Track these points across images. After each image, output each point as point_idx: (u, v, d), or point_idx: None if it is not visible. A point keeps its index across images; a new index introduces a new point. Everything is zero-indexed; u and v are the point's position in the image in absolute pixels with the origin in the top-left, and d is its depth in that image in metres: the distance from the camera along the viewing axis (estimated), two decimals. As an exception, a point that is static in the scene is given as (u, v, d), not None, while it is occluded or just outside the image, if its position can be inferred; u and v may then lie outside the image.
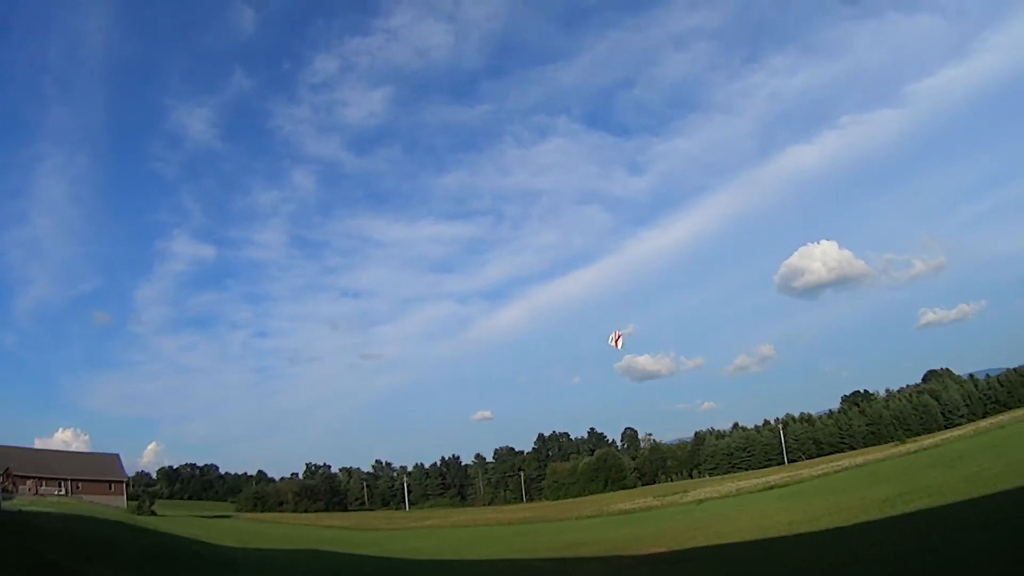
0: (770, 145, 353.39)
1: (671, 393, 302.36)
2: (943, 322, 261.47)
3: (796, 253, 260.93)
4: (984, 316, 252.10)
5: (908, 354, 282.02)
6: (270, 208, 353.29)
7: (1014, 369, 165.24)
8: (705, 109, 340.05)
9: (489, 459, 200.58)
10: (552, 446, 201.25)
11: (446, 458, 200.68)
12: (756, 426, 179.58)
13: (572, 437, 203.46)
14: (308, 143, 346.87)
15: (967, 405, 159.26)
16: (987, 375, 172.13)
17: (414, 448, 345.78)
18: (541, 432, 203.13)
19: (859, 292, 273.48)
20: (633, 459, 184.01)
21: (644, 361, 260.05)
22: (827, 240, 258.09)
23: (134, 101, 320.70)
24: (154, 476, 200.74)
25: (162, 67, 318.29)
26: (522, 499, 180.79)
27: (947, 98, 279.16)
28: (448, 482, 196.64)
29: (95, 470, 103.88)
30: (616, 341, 57.38)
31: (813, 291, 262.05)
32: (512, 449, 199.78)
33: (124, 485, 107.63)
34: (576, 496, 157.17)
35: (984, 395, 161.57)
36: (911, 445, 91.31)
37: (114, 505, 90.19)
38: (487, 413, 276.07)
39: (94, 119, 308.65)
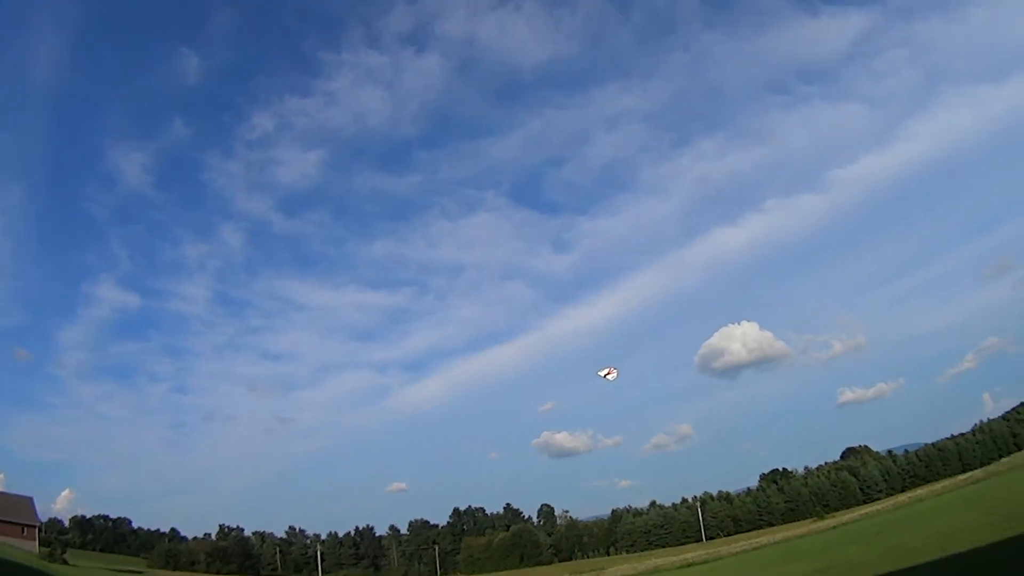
0: (695, 227, 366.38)
1: (589, 470, 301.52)
2: (861, 401, 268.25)
3: (717, 334, 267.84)
4: (902, 394, 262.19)
5: (827, 432, 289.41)
6: (197, 262, 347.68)
7: (932, 444, 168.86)
8: (633, 189, 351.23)
9: (403, 531, 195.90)
10: (467, 520, 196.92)
11: (360, 528, 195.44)
12: (674, 504, 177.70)
13: (488, 512, 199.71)
14: (239, 199, 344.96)
15: (886, 480, 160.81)
16: (906, 451, 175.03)
17: (328, 516, 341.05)
18: (456, 506, 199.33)
19: (779, 372, 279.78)
20: (549, 535, 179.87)
21: (562, 438, 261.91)
22: (748, 321, 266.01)
23: (73, 136, 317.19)
24: (67, 524, 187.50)
25: (104, 105, 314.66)
26: (436, 573, 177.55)
27: (869, 184, 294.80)
28: (362, 552, 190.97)
29: (8, 511, 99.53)
30: (608, 374, 59.20)
31: (733, 371, 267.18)
32: (427, 522, 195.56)
33: (36, 530, 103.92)
34: (491, 572, 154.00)
35: (903, 470, 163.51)
36: (830, 521, 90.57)
37: (26, 549, 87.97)
38: (402, 484, 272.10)
39: (31, 150, 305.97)
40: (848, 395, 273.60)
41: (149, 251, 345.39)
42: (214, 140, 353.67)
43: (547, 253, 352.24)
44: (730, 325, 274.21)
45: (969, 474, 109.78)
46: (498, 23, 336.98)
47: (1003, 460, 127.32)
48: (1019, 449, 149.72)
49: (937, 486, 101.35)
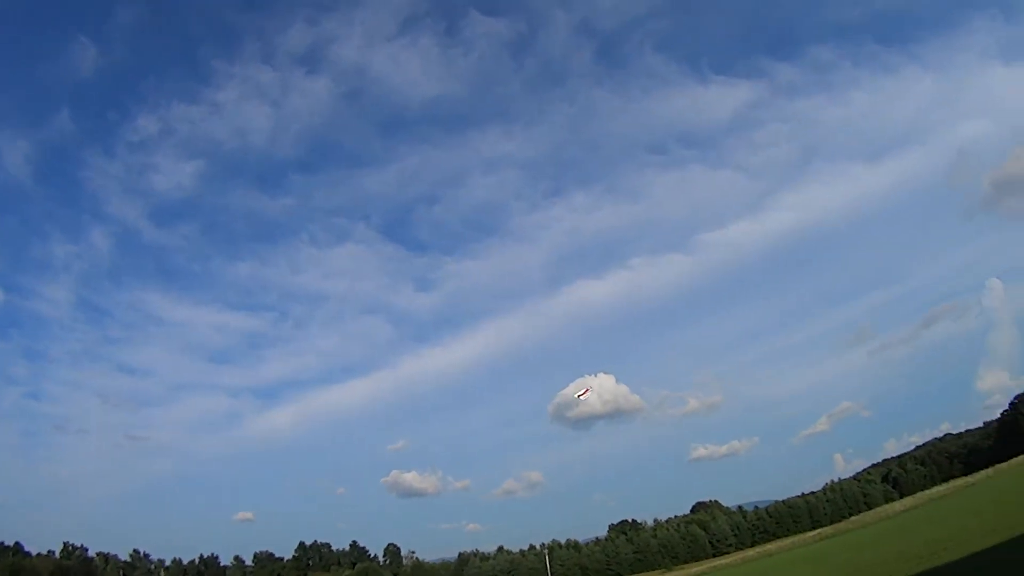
0: (560, 277, 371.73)
1: (436, 512, 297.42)
2: (714, 457, 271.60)
3: (572, 384, 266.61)
4: (755, 452, 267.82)
5: (678, 486, 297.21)
6: (63, 263, 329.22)
7: (783, 502, 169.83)
8: (502, 235, 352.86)
9: (248, 562, 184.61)
10: (313, 555, 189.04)
11: (205, 556, 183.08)
12: (522, 550, 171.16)
13: (334, 548, 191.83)
14: (113, 202, 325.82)
15: (735, 535, 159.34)
16: (756, 507, 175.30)
17: (173, 541, 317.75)
18: (303, 540, 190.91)
19: (633, 425, 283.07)
20: (395, 575, 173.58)
21: (411, 478, 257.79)
22: (605, 374, 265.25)
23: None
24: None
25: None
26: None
27: (737, 249, 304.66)
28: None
29: None
30: (583, 395, 52.56)
31: (587, 422, 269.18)
32: (272, 554, 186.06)
33: None
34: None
35: (752, 525, 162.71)
36: (677, 573, 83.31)
37: None
38: (249, 514, 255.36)
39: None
40: (701, 451, 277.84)
41: (18, 245, 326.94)
42: (98, 137, 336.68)
43: (410, 291, 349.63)
44: (587, 376, 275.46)
45: (819, 531, 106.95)
46: (392, 55, 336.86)
47: (852, 518, 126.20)
48: (868, 508, 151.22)
49: (787, 542, 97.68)
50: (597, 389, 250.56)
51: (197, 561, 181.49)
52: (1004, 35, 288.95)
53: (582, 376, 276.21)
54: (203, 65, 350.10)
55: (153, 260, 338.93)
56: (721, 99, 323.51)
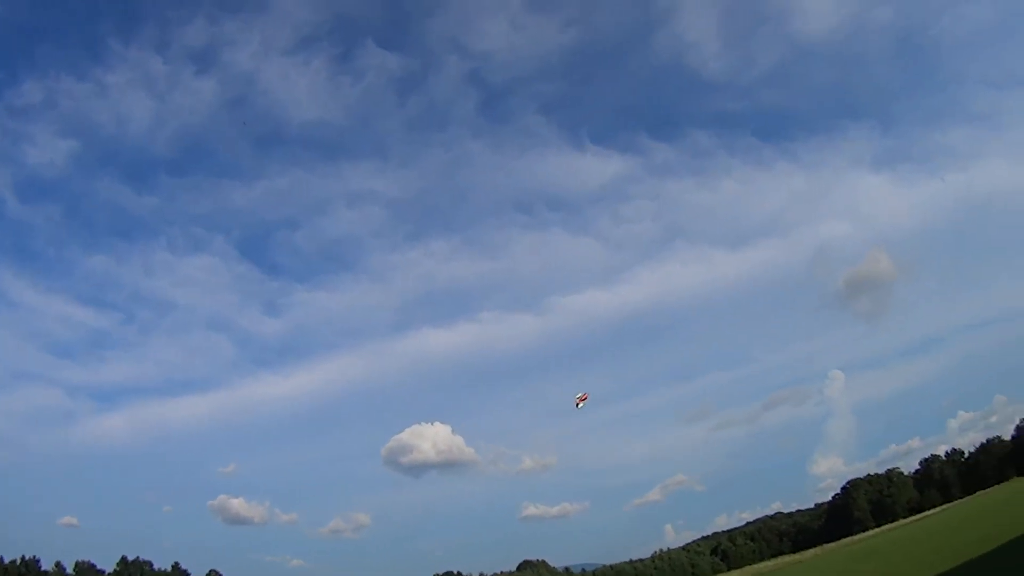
0: (408, 321, 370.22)
1: (261, 543, 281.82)
2: (544, 517, 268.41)
3: (408, 430, 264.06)
4: (586, 515, 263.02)
5: (506, 542, 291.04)
6: None
7: (610, 566, 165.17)
8: (357, 271, 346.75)
9: (69, 570, 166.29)
10: (135, 571, 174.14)
11: (27, 558, 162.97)
12: None
13: (155, 567, 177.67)
14: None
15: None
16: (583, 569, 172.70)
17: None
18: (126, 555, 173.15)
19: (465, 477, 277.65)
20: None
21: (238, 504, 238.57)
22: (442, 423, 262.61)
23: None
24: None
25: None
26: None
27: (588, 316, 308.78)
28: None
29: None
30: (580, 402, 61.13)
31: (419, 469, 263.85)
32: (93, 566, 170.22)
33: None
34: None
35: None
36: None
37: None
38: (73, 520, 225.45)
39: None
40: (532, 510, 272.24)
41: None
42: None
43: (258, 313, 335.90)
44: (423, 424, 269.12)
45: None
46: (283, 70, 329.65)
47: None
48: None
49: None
50: (432, 438, 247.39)
51: (19, 562, 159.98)
52: (878, 146, 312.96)
53: (419, 423, 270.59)
54: (99, 42, 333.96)
55: (12, 236, 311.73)
56: (594, 168, 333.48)
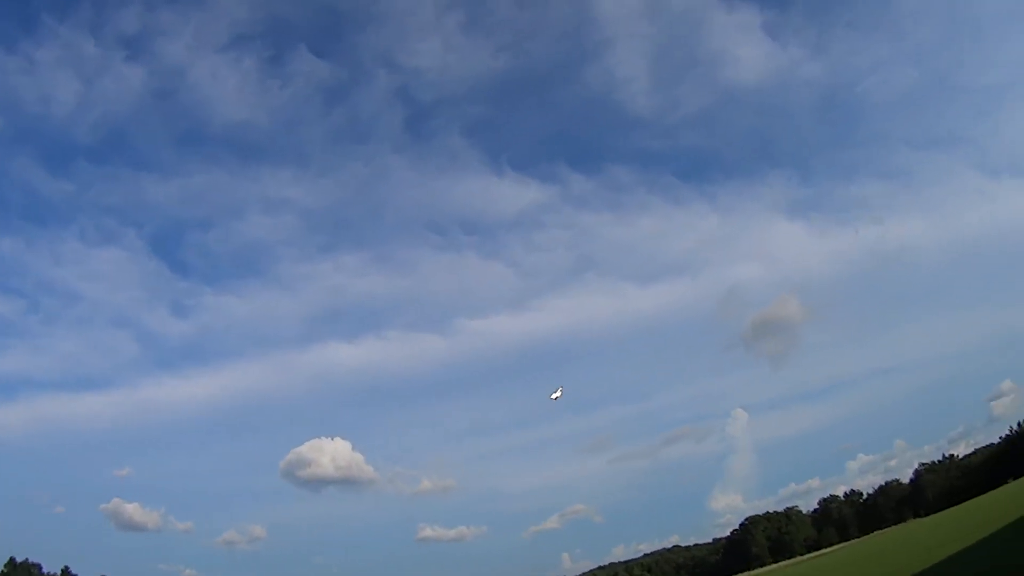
0: (314, 334, 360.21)
1: (155, 551, 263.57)
2: (441, 539, 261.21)
3: (308, 444, 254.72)
4: (483, 540, 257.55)
5: (403, 562, 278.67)
6: None
7: None
8: (266, 279, 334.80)
9: None
10: (23, 573, 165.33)
11: None
12: None
13: (44, 570, 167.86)
14: None
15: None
16: None
17: None
18: (14, 556, 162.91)
19: (364, 495, 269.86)
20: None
21: (133, 510, 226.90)
22: (343, 439, 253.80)
23: None
24: None
25: None
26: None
27: (495, 341, 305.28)
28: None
29: None
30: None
31: (318, 484, 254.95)
32: None
33: None
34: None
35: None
36: None
37: None
38: None
39: None
40: (428, 531, 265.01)
41: None
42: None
43: (164, 313, 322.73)
44: (324, 438, 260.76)
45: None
46: (213, 67, 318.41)
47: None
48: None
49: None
50: (332, 454, 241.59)
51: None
52: (796, 194, 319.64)
53: (319, 437, 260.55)
54: (34, 15, 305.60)
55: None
56: (512, 195, 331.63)
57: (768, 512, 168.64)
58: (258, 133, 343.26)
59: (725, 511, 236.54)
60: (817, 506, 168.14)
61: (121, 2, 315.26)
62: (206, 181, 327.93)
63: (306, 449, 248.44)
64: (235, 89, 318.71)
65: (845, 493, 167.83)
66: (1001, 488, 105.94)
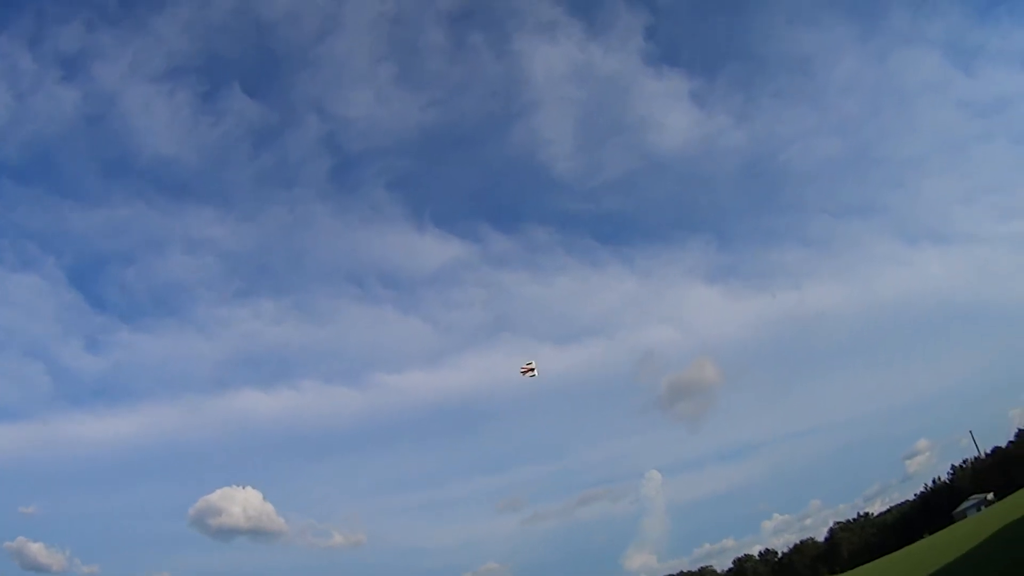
0: (229, 380, 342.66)
1: None
2: None
3: (218, 492, 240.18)
4: None
5: None
6: None
7: None
8: (183, 320, 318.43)
9: None
10: None
11: None
12: None
13: None
14: None
15: None
16: None
17: None
18: None
19: (275, 547, 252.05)
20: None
21: (37, 550, 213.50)
22: (254, 489, 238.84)
23: None
24: None
25: None
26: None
27: (410, 397, 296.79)
28: None
29: None
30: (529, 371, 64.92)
31: (228, 534, 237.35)
32: None
33: None
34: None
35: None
36: None
37: None
38: None
39: None
40: None
41: None
42: None
43: (79, 347, 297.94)
44: (235, 487, 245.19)
45: None
46: (146, 97, 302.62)
47: None
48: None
49: None
50: (242, 503, 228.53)
51: None
52: (714, 260, 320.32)
53: (230, 485, 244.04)
54: None
55: None
56: (432, 250, 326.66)
57: (682, 572, 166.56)
58: (186, 169, 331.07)
59: (639, 571, 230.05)
60: (732, 565, 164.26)
61: (63, 17, 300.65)
62: (129, 214, 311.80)
63: (216, 497, 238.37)
64: (166, 122, 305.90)
65: (760, 552, 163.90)
66: (916, 543, 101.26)
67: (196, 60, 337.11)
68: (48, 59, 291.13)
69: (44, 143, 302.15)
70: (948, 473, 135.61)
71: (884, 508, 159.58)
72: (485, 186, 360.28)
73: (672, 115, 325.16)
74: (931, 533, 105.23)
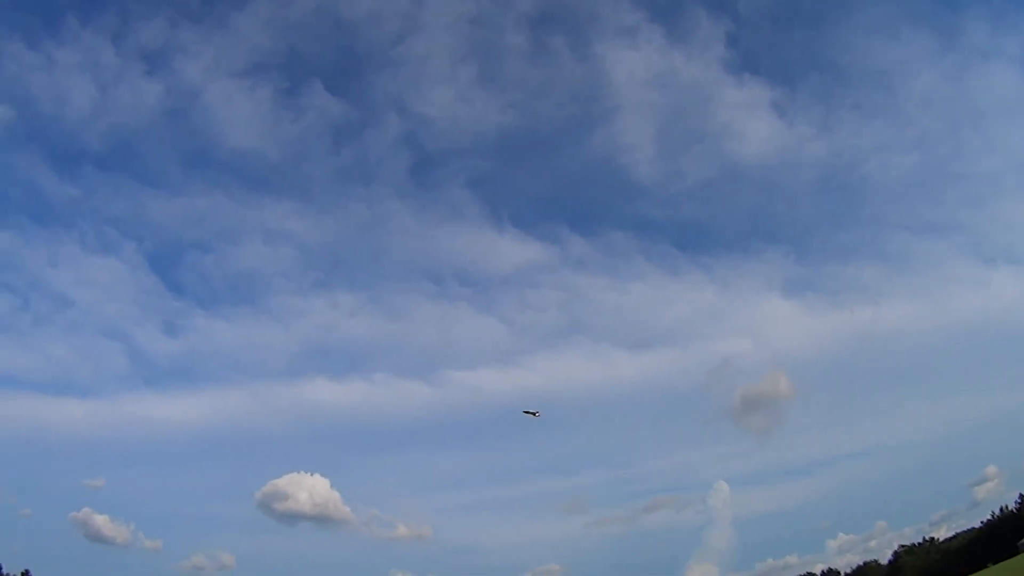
0: (302, 368, 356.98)
1: (119, 566, 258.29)
2: None
3: (286, 477, 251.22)
4: None
5: None
6: None
7: None
8: (258, 309, 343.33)
9: None
10: None
11: None
12: None
13: (4, 571, 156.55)
14: None
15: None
16: None
17: None
18: None
19: (339, 535, 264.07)
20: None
21: (102, 521, 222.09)
22: (321, 476, 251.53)
23: None
24: None
25: None
26: None
27: (479, 395, 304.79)
28: None
29: None
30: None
31: (293, 519, 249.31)
32: None
33: None
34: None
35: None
36: None
37: None
38: None
39: None
40: None
41: None
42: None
43: (156, 330, 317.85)
44: (302, 473, 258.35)
45: None
46: (227, 92, 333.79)
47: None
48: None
49: None
50: (309, 489, 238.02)
51: None
52: (791, 272, 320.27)
53: (298, 471, 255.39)
54: (57, 15, 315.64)
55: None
56: (510, 251, 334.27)
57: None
58: (265, 163, 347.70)
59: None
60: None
61: (146, 15, 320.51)
62: (209, 204, 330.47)
63: (284, 482, 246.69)
64: (247, 116, 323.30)
65: (823, 571, 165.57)
66: (980, 572, 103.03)
67: (277, 57, 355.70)
68: (131, 54, 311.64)
69: (126, 133, 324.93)
70: (1016, 502, 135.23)
71: (950, 534, 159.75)
72: (564, 189, 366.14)
73: (753, 124, 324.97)
74: (995, 563, 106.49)
